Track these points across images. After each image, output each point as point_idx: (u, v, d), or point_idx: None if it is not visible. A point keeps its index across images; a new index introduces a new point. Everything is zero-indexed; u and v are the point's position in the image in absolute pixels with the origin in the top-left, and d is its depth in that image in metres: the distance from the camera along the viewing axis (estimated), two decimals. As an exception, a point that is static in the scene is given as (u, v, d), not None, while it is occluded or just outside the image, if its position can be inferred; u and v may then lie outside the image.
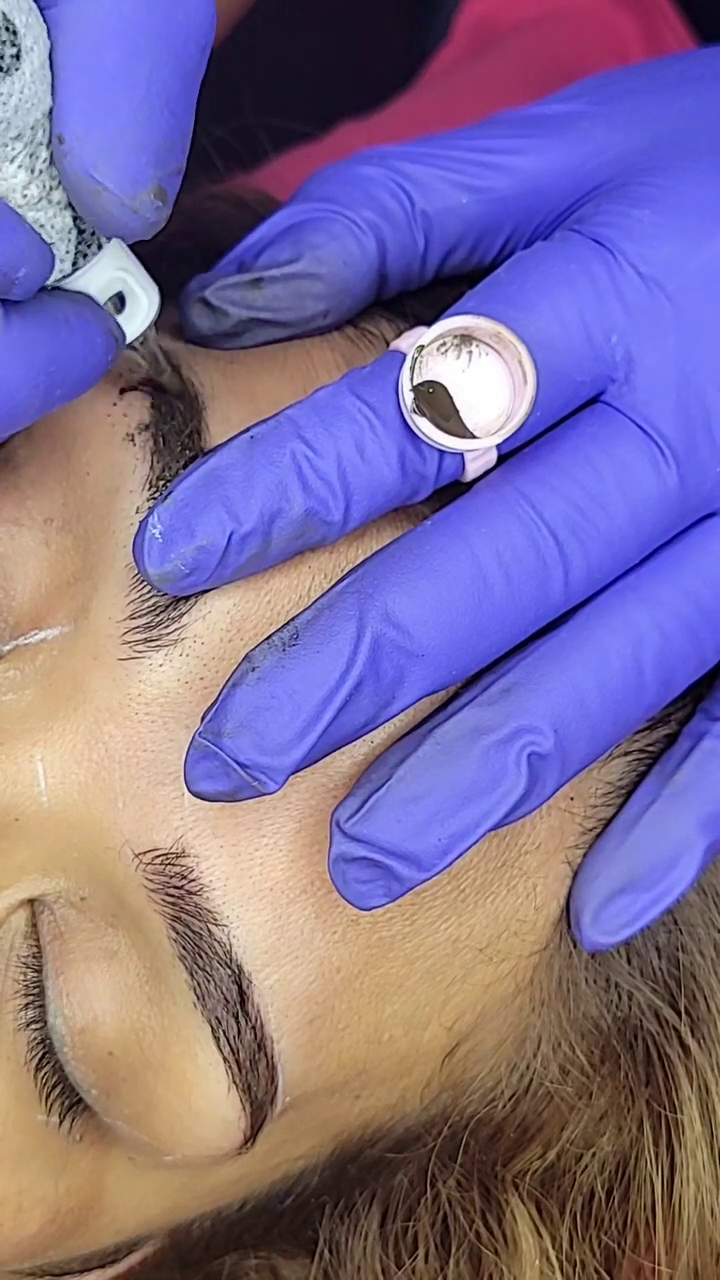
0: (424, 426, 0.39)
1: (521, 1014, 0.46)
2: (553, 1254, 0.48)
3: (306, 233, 0.44)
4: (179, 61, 0.36)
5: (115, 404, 0.43)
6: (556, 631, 0.40)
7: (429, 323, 0.42)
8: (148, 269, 0.51)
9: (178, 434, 0.42)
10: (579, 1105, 0.47)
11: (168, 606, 0.41)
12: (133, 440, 0.42)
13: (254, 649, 0.39)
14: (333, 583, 0.40)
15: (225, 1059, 0.42)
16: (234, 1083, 0.42)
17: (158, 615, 0.41)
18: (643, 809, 0.44)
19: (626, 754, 0.45)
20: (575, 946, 0.45)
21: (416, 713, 0.41)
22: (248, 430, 0.39)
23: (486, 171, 0.44)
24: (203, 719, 0.38)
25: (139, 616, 0.41)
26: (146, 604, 0.41)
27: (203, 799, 0.39)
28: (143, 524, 0.39)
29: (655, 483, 0.40)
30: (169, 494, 0.39)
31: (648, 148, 0.44)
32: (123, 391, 0.43)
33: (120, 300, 0.42)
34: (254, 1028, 0.42)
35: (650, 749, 0.45)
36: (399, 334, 0.46)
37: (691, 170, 0.43)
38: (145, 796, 0.41)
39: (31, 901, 0.43)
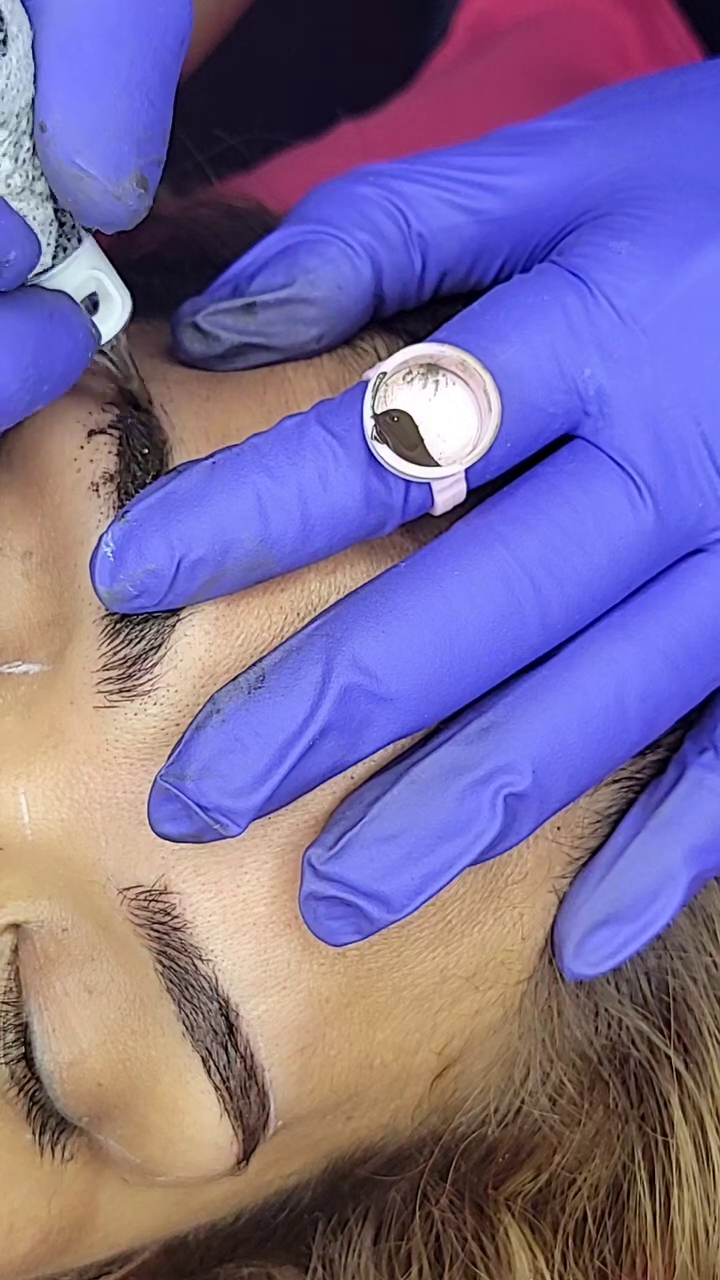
0: (386, 454, 0.39)
1: (509, 1039, 0.46)
2: (547, 1274, 0.48)
3: (301, 256, 0.44)
4: (158, 54, 0.36)
5: (83, 447, 0.42)
6: (538, 669, 0.40)
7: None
8: (140, 280, 0.51)
9: (142, 485, 0.41)
10: (570, 1130, 0.47)
11: (139, 658, 0.41)
12: (97, 491, 0.42)
13: (219, 691, 0.39)
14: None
15: (216, 1087, 0.42)
16: (226, 1110, 0.42)
17: (129, 667, 0.41)
18: (628, 839, 0.44)
19: (614, 781, 0.45)
20: (562, 974, 0.45)
21: (396, 748, 0.41)
22: (211, 456, 0.39)
23: (481, 192, 0.44)
24: (167, 761, 0.38)
25: (111, 668, 0.41)
26: (118, 656, 0.41)
27: (168, 840, 0.39)
28: (100, 539, 0.39)
29: (632, 520, 0.40)
30: (125, 512, 0.39)
31: (637, 169, 0.44)
32: (90, 434, 0.42)
33: (93, 304, 0.41)
34: (244, 1057, 0.42)
35: (638, 775, 0.45)
36: (390, 350, 0.46)
37: (673, 198, 0.42)
38: (127, 836, 0.41)
39: (16, 927, 0.43)
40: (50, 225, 0.39)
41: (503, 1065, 0.46)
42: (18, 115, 0.37)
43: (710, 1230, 0.47)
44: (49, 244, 0.39)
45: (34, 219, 0.38)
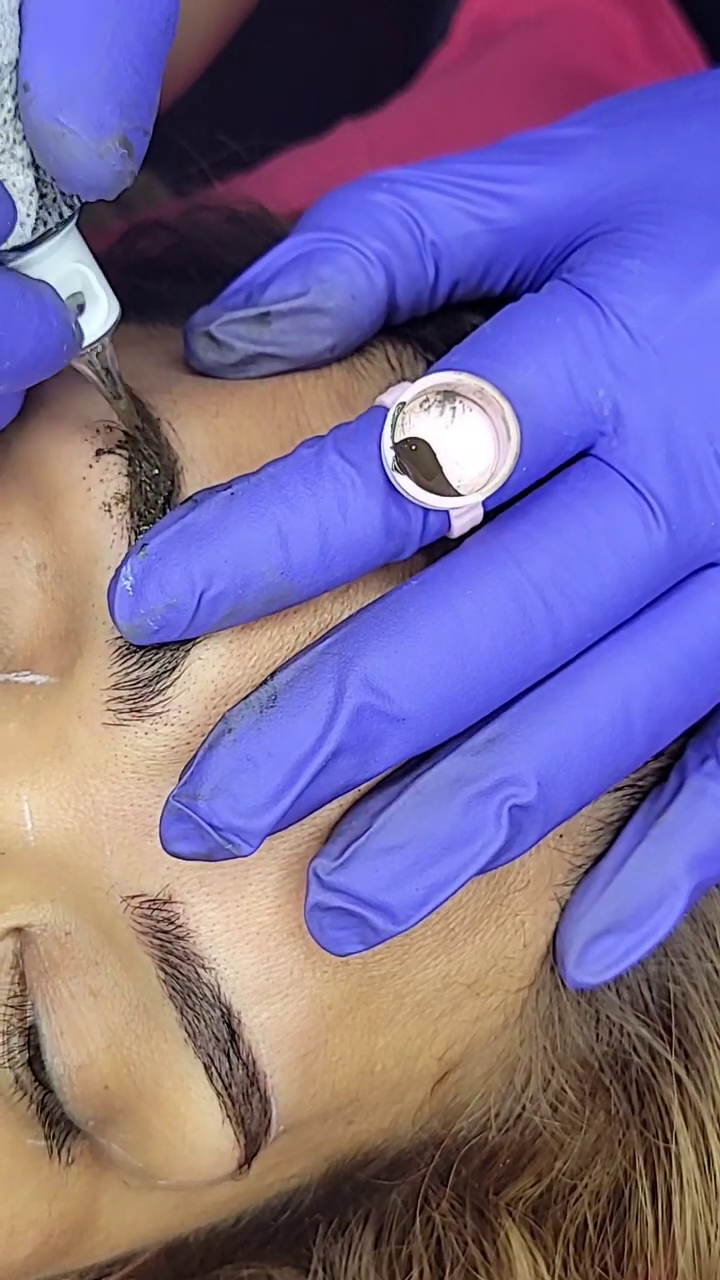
0: (406, 485, 0.39)
1: (511, 1045, 0.46)
2: (548, 1279, 0.48)
3: (315, 264, 0.43)
4: (143, 25, 0.36)
5: (91, 466, 0.42)
6: (545, 682, 0.40)
7: (430, 358, 0.41)
8: (146, 286, 0.51)
9: (154, 507, 0.41)
10: (571, 1136, 0.47)
11: (152, 680, 0.41)
12: (109, 511, 0.42)
13: (231, 710, 0.39)
14: None
15: (218, 1094, 0.42)
16: (227, 1116, 0.42)
17: (141, 689, 0.41)
18: (630, 848, 0.44)
19: (617, 790, 0.45)
20: (564, 982, 0.45)
21: None
22: (229, 485, 0.39)
23: (495, 201, 0.44)
24: (179, 780, 0.38)
25: (122, 688, 0.41)
26: (130, 677, 0.41)
27: (180, 859, 0.39)
28: (117, 571, 0.39)
29: (645, 540, 0.40)
30: (143, 544, 0.38)
31: (649, 182, 0.43)
32: (99, 453, 0.42)
33: (79, 308, 0.41)
34: (246, 1064, 0.42)
35: (640, 784, 0.45)
36: (399, 357, 0.45)
37: (685, 214, 0.42)
38: (133, 846, 0.41)
39: (19, 931, 0.43)
40: (30, 194, 0.38)
41: (504, 1071, 0.46)
42: (0, 75, 0.36)
43: (711, 1237, 0.47)
44: (28, 214, 0.38)
45: (13, 185, 0.38)
